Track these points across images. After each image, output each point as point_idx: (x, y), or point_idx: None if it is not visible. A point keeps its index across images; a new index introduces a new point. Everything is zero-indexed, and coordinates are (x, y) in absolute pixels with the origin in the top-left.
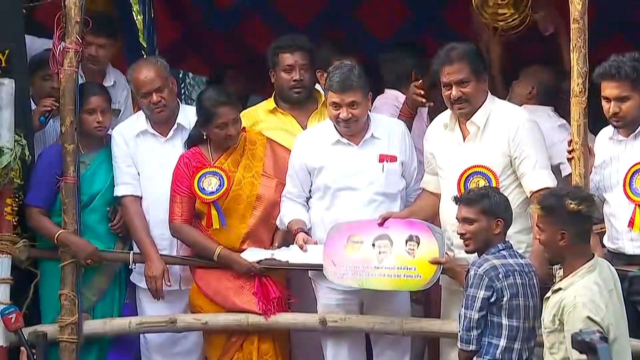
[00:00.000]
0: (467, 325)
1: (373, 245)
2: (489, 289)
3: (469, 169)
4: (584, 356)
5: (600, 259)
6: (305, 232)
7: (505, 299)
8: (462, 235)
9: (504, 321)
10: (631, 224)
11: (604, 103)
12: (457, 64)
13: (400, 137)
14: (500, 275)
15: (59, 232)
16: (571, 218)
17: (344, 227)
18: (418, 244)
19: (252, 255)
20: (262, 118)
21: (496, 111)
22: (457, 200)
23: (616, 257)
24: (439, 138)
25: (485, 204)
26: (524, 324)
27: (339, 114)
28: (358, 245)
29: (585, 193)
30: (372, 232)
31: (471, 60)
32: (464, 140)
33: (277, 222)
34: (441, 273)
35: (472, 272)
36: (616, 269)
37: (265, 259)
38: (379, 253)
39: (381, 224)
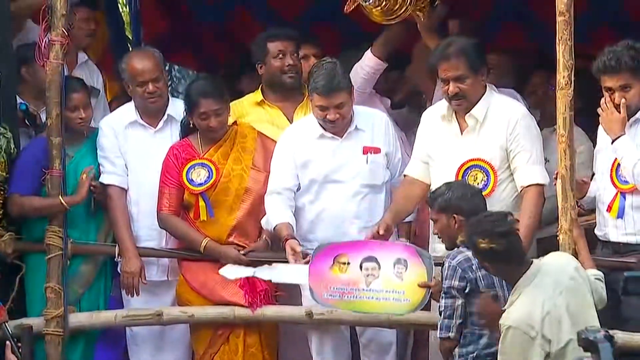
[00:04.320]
0: (447, 314)
1: (360, 267)
2: (462, 279)
3: (467, 162)
4: (587, 354)
5: (544, 263)
6: (295, 238)
7: (481, 289)
8: (435, 234)
9: None
10: (609, 208)
11: (606, 94)
12: (454, 60)
13: (384, 129)
14: (473, 267)
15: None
16: (486, 255)
17: (329, 248)
18: (406, 267)
19: (232, 272)
20: (248, 111)
21: (495, 104)
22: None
23: (605, 247)
24: (434, 128)
25: (440, 202)
26: None
27: (326, 115)
28: (345, 267)
29: (500, 229)
30: (359, 254)
31: (468, 56)
32: (461, 132)
33: (263, 223)
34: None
35: (446, 264)
36: (611, 261)
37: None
38: (367, 276)
39: (367, 243)
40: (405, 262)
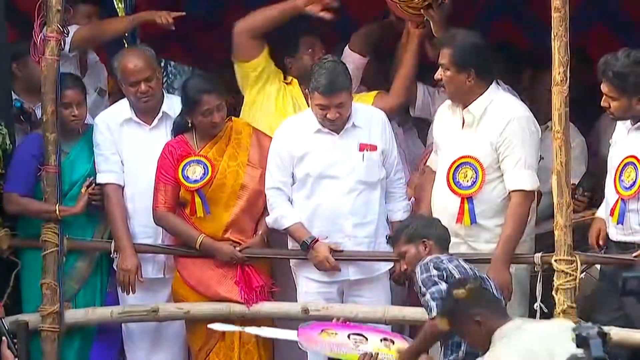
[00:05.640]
0: (437, 296)
1: (348, 337)
2: (437, 269)
3: (459, 159)
4: (580, 350)
5: (523, 322)
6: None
7: (457, 277)
8: (405, 270)
9: None
10: (612, 212)
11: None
12: (444, 48)
13: (381, 127)
14: (444, 260)
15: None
16: (469, 302)
17: (315, 324)
18: (393, 343)
19: (221, 327)
20: (279, 86)
21: (496, 103)
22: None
23: (610, 244)
24: (443, 119)
25: (406, 233)
26: None
27: (326, 114)
28: (333, 335)
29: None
30: (345, 330)
31: (456, 51)
32: (462, 126)
33: (270, 222)
34: None
35: (418, 269)
36: (613, 259)
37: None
38: (355, 342)
39: (354, 325)
40: (392, 340)
